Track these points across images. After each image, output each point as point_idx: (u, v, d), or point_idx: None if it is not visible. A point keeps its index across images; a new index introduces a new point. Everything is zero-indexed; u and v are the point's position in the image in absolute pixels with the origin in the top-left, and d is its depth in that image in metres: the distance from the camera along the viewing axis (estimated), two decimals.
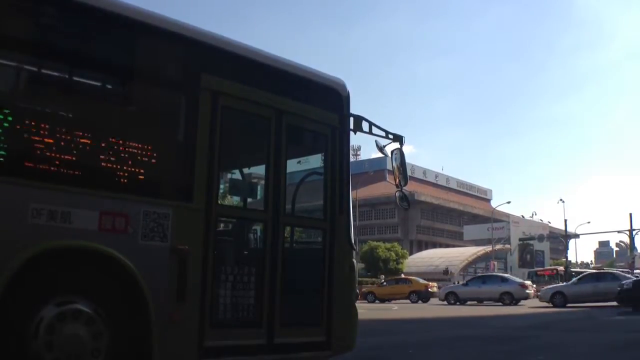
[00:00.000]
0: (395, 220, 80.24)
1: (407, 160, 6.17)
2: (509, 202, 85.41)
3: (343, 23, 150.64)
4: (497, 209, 64.39)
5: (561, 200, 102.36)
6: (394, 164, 6.12)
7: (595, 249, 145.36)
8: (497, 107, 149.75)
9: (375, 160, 72.32)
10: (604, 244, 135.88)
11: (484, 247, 62.85)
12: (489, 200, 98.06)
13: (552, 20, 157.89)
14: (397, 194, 6.21)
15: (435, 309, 25.85)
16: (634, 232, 52.60)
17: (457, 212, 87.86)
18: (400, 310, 24.75)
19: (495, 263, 56.06)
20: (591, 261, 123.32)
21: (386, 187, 66.61)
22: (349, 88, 5.70)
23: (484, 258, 61.23)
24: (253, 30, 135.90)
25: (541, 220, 74.53)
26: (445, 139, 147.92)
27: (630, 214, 52.80)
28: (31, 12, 3.93)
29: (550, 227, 76.24)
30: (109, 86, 4.46)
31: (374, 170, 68.06)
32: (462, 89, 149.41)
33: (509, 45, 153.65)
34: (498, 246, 62.96)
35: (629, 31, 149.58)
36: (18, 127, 3.75)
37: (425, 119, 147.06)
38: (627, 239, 56.79)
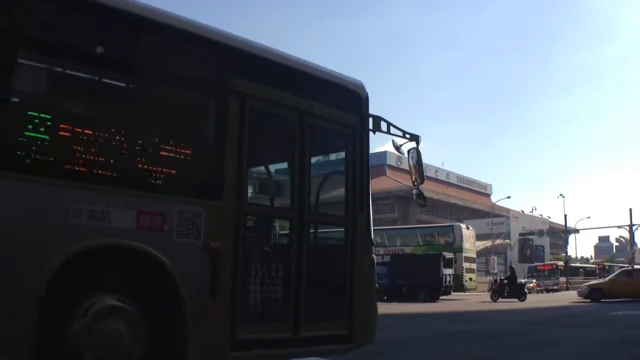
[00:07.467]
0: (395, 215, 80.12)
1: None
2: (508, 197, 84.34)
3: (345, 16, 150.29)
4: (497, 204, 64.41)
5: (561, 195, 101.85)
6: (410, 162, 6.29)
7: (595, 244, 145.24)
8: (498, 102, 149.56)
9: (376, 155, 71.97)
10: (603, 239, 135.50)
11: (484, 242, 62.76)
12: (488, 195, 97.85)
13: (557, 14, 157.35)
14: (414, 191, 6.39)
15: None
16: (633, 227, 52.77)
17: (457, 207, 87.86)
18: (399, 305, 24.93)
19: (495, 258, 56.19)
20: (591, 256, 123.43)
21: (386, 182, 66.68)
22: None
23: (484, 253, 61.20)
24: (257, 24, 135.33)
25: (541, 215, 74.92)
26: (445, 134, 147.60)
27: (630, 209, 53.02)
28: (72, 19, 4.03)
29: (550, 222, 76.47)
30: (147, 90, 4.58)
31: (374, 165, 67.84)
32: (464, 83, 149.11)
33: (512, 39, 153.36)
34: (498, 241, 63.13)
35: (634, 26, 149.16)
36: (58, 129, 3.87)
37: (425, 112, 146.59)
38: (627, 234, 56.98)
